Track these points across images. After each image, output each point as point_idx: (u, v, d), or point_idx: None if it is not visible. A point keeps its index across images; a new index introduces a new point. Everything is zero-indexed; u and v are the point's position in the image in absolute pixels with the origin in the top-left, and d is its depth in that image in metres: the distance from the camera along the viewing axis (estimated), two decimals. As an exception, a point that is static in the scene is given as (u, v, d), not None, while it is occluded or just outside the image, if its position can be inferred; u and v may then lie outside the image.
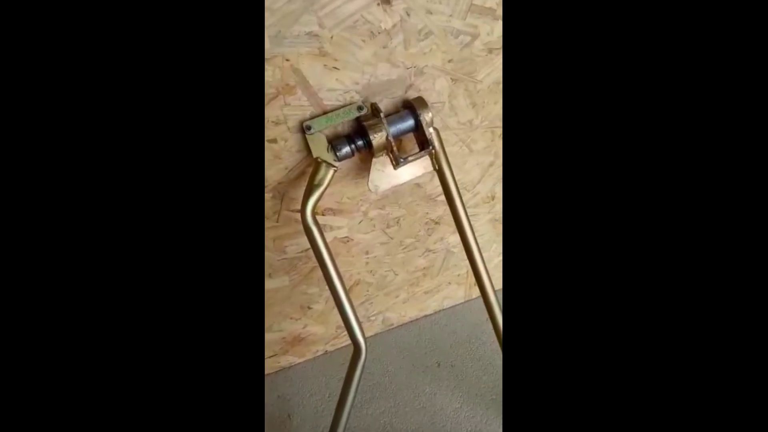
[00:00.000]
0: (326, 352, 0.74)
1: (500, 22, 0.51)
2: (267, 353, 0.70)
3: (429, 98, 0.52)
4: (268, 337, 0.68)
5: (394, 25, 0.47)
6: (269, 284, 0.62)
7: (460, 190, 0.55)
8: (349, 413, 0.55)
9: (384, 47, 0.48)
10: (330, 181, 0.50)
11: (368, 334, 0.74)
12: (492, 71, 0.54)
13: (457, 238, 0.57)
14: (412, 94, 0.52)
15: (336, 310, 0.53)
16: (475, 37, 0.51)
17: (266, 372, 0.72)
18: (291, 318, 0.67)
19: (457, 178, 0.54)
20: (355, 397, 0.54)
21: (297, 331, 0.69)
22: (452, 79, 0.53)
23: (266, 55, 0.44)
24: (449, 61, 0.51)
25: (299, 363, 0.73)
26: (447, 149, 0.54)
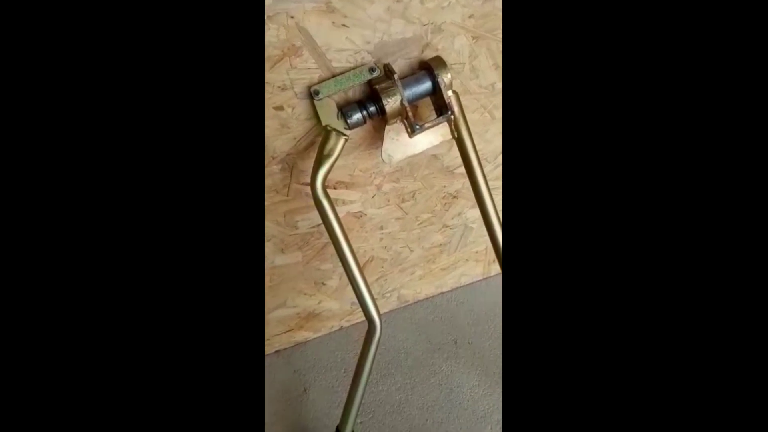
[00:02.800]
0: (341, 328, 0.74)
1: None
2: (282, 328, 0.70)
3: (448, 58, 0.48)
4: (283, 312, 0.67)
5: (409, -24, 0.43)
6: (282, 259, 0.60)
7: (481, 161, 0.51)
8: (364, 388, 0.54)
9: (398, 1, 0.44)
10: (341, 151, 0.47)
11: (383, 310, 0.73)
12: (518, 27, 0.49)
13: (475, 213, 0.54)
14: (429, 54, 0.48)
15: (350, 287, 0.51)
16: (499, -13, 0.46)
17: (282, 347, 0.72)
18: (305, 294, 0.66)
19: (478, 148, 0.51)
20: (370, 373, 0.54)
21: (311, 306, 0.68)
22: (473, 37, 0.48)
23: (269, 12, 0.41)
24: (470, 17, 0.47)
25: (315, 338, 0.73)
26: (467, 116, 0.50)
